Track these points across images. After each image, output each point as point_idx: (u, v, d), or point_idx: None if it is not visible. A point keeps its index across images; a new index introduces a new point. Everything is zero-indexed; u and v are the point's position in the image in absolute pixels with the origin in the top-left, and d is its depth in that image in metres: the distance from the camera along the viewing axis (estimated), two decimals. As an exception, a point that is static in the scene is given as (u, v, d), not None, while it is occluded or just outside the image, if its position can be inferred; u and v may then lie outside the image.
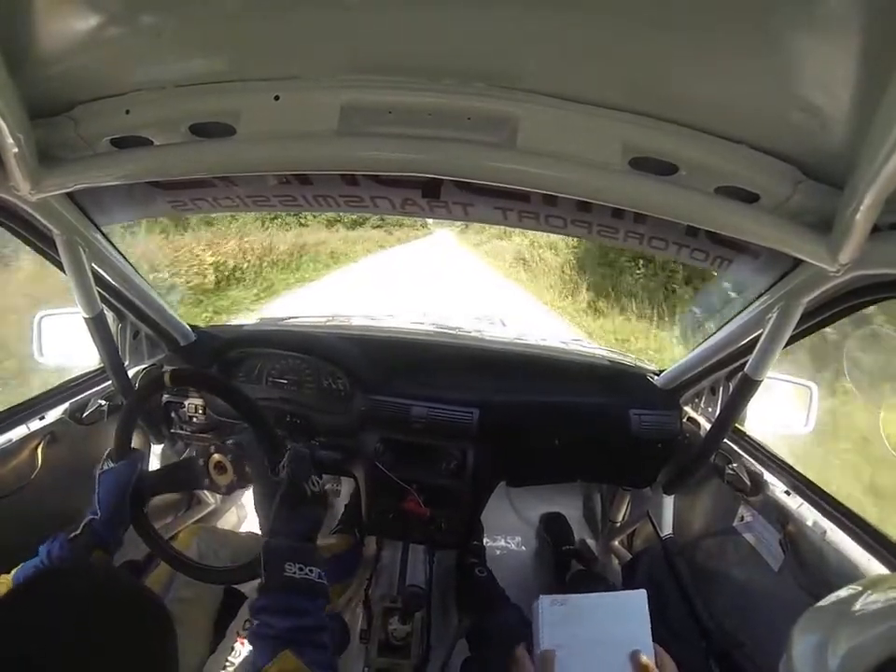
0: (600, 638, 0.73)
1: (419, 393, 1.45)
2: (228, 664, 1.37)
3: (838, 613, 0.45)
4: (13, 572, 0.85)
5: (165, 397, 1.58)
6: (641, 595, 0.77)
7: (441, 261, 14.66)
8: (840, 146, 0.68)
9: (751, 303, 1.12)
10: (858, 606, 0.44)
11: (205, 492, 1.87)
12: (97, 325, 1.22)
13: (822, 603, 0.49)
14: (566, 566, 1.79)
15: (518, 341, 1.97)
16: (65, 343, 1.36)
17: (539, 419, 1.48)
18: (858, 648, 0.40)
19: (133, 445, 1.04)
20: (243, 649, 1.39)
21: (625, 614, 0.76)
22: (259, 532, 0.99)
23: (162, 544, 1.04)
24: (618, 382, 1.60)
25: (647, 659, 0.70)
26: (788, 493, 1.15)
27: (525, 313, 7.89)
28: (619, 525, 1.90)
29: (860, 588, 0.47)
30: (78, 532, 0.91)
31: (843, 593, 0.48)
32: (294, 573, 0.76)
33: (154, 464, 1.68)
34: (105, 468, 1.00)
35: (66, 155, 0.86)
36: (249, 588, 1.24)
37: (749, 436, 1.36)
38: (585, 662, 0.73)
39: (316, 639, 0.74)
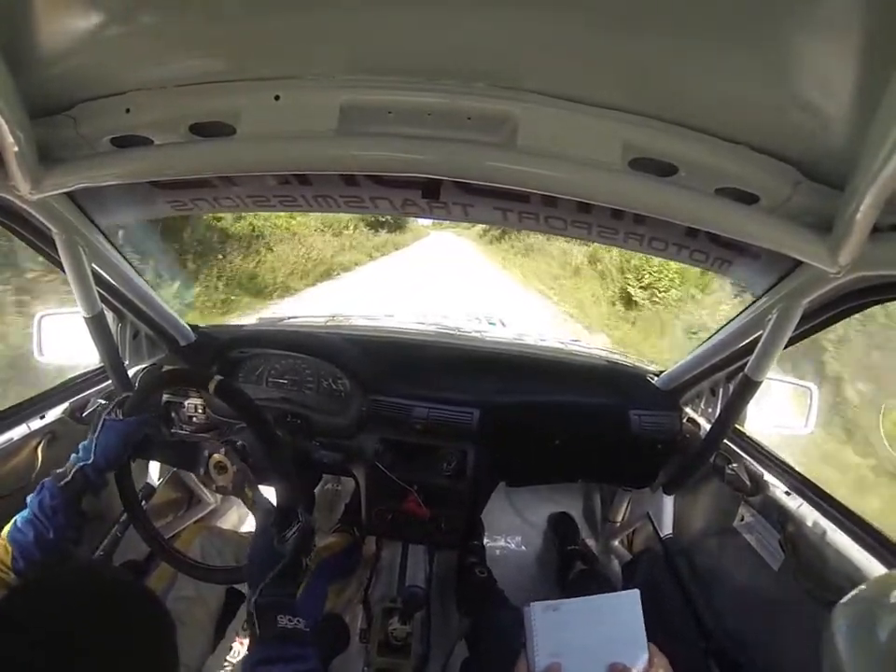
0: (594, 642, 0.72)
1: (419, 393, 1.45)
2: (227, 664, 1.37)
3: (873, 601, 0.52)
4: (6, 530, 0.86)
5: (165, 396, 1.57)
6: (634, 594, 0.75)
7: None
8: (840, 146, 0.68)
9: (751, 304, 1.12)
10: (893, 595, 0.50)
11: (205, 491, 1.87)
12: (97, 324, 1.22)
13: (848, 598, 0.54)
14: (569, 566, 1.79)
15: (518, 341, 1.98)
16: (65, 343, 1.36)
17: (539, 419, 1.48)
18: None
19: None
20: (242, 648, 1.39)
21: (619, 615, 0.74)
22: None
23: (162, 542, 1.04)
24: (618, 382, 1.60)
25: (628, 667, 0.69)
26: (788, 493, 1.15)
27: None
28: (619, 525, 1.90)
29: (871, 587, 0.53)
30: (69, 479, 0.91)
31: (859, 591, 0.54)
32: (286, 624, 0.81)
33: (153, 466, 1.69)
34: (114, 415, 0.99)
35: (66, 154, 0.85)
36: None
37: (748, 436, 1.36)
38: (581, 667, 0.72)
39: None
